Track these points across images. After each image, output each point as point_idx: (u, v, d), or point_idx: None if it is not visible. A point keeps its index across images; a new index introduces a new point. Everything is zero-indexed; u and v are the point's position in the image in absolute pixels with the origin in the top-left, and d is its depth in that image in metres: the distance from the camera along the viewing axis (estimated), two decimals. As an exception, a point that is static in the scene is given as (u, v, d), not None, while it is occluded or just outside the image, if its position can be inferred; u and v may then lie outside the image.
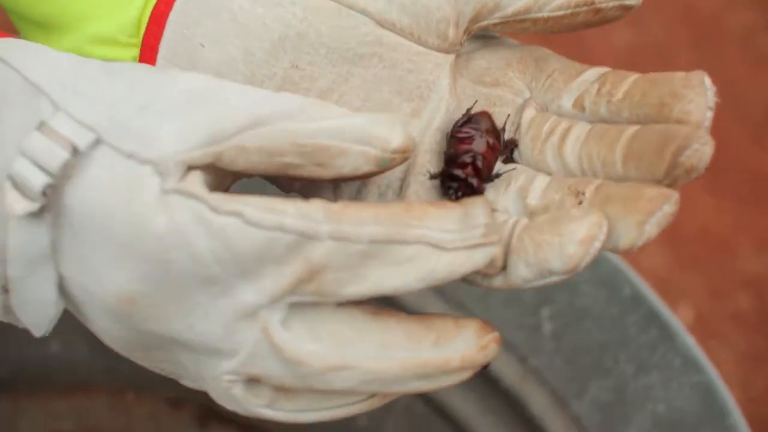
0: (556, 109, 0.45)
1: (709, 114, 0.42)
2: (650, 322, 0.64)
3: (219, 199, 0.38)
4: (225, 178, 0.41)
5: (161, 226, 0.38)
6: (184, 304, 0.39)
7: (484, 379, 0.70)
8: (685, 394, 0.62)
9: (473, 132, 0.44)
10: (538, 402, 0.68)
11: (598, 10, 0.44)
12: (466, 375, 0.40)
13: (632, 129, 0.42)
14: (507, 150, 0.44)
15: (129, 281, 0.38)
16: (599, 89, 0.44)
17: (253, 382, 0.40)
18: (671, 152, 0.40)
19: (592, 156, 0.43)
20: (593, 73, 0.45)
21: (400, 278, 0.38)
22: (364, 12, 0.45)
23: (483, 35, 0.47)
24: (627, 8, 0.45)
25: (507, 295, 0.68)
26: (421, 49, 0.45)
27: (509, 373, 0.69)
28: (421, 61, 0.45)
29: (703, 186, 1.47)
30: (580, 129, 0.44)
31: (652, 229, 0.40)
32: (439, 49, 0.46)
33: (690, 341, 0.62)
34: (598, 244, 0.39)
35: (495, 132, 0.44)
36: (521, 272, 0.40)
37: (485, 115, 0.45)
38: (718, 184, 1.48)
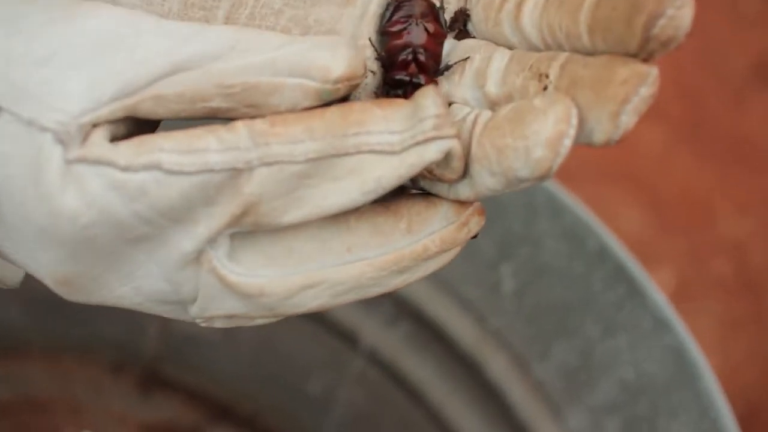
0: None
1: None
2: (618, 278, 0.59)
3: (130, 152, 0.34)
4: (148, 124, 0.36)
5: (72, 204, 0.34)
6: (124, 269, 0.36)
7: (440, 341, 0.67)
8: (655, 358, 0.57)
9: (406, 22, 0.38)
10: (498, 366, 0.64)
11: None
12: (451, 256, 0.37)
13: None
14: (457, 25, 0.38)
15: (57, 263, 0.35)
16: None
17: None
18: (642, 24, 0.34)
19: (554, 27, 0.36)
20: None
21: (343, 194, 0.34)
22: None
23: None
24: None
25: (464, 250, 0.64)
26: None
27: (467, 335, 0.65)
28: None
29: (684, 148, 1.46)
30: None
31: (628, 119, 0.34)
32: None
33: (660, 299, 0.58)
34: (568, 142, 0.33)
35: (433, 12, 0.38)
36: (487, 182, 0.35)
37: None
38: (699, 147, 1.47)
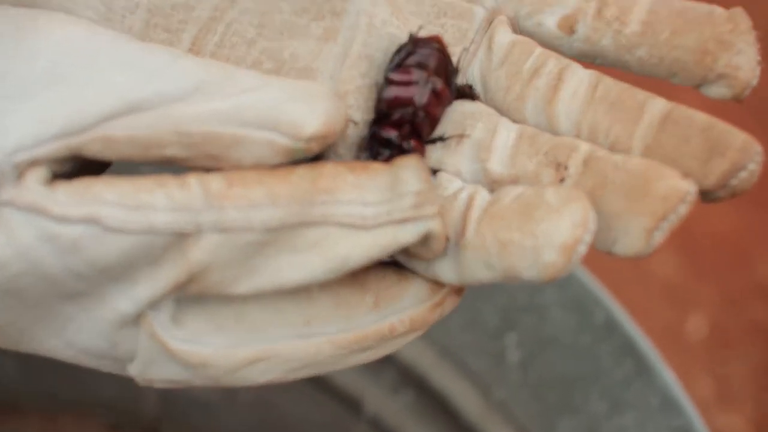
0: (532, 26, 0.35)
1: (758, 71, 0.33)
2: (625, 353, 0.57)
3: (67, 200, 0.30)
4: (97, 163, 0.33)
5: (1, 251, 0.31)
6: (54, 323, 0.33)
7: (445, 411, 0.65)
8: (663, 438, 0.55)
9: (416, 75, 0.33)
10: (502, 439, 0.62)
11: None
12: (418, 335, 0.33)
13: (659, 106, 0.32)
14: (461, 96, 0.34)
15: None
16: (600, 10, 0.34)
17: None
18: (722, 171, 0.31)
19: (597, 129, 0.32)
20: None
21: (302, 270, 0.31)
22: None
23: None
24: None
25: (468, 317, 0.62)
26: None
27: (472, 406, 0.63)
28: None
29: None
30: (578, 80, 0.33)
31: (662, 236, 0.31)
32: None
33: (669, 377, 0.55)
34: (583, 249, 0.30)
35: (447, 70, 0.33)
36: (479, 274, 0.31)
37: (435, 44, 0.33)
38: None
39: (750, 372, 1.32)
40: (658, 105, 0.32)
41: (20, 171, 0.31)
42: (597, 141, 0.33)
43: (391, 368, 0.65)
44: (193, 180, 0.30)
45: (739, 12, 0.33)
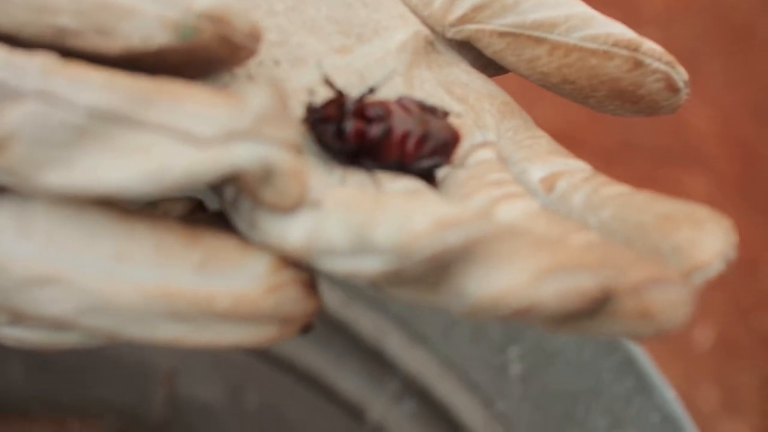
0: (518, 173, 0.34)
1: (718, 266, 0.29)
2: (626, 369, 0.56)
3: None
4: None
5: None
6: None
7: (447, 422, 0.64)
8: (663, 456, 0.55)
9: (414, 111, 0.31)
10: (504, 453, 0.61)
11: (638, 63, 0.33)
12: (262, 332, 0.28)
13: (595, 236, 0.30)
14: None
15: None
16: (586, 177, 0.32)
17: None
18: (639, 277, 0.27)
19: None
20: (581, 166, 0.34)
21: (122, 170, 0.27)
22: None
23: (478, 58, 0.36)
24: (673, 88, 0.34)
25: (473, 330, 0.61)
26: None
27: (474, 417, 0.63)
28: (382, 4, 0.35)
29: (730, 200, 1.44)
30: (530, 205, 0.32)
31: (549, 292, 0.26)
32: (414, 11, 0.35)
33: (669, 395, 0.55)
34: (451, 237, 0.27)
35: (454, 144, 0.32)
36: (332, 233, 0.27)
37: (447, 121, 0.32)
38: (745, 199, 1.46)
39: (757, 382, 1.31)
40: (594, 235, 0.30)
41: None
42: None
43: (395, 378, 0.64)
44: (41, 53, 0.28)
45: (724, 217, 0.31)
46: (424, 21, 0.35)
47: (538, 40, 0.34)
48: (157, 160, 0.27)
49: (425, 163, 0.31)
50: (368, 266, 0.26)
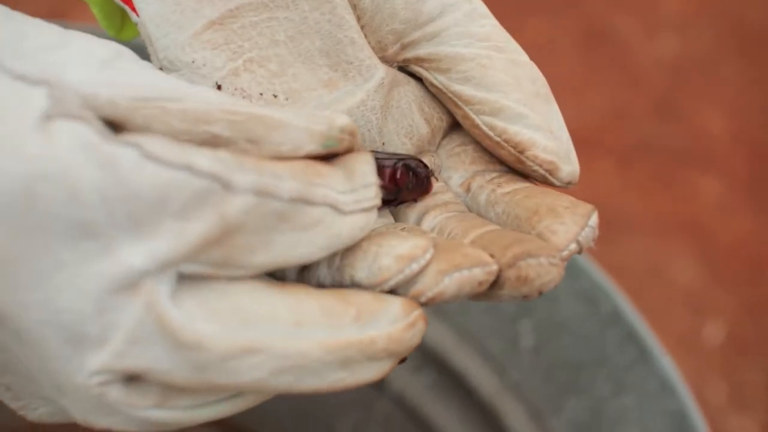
0: (446, 178, 0.41)
1: (573, 247, 0.36)
2: (629, 341, 0.61)
3: (111, 133, 0.30)
4: None
5: (35, 147, 0.29)
6: (44, 264, 0.30)
7: (463, 390, 0.68)
8: (659, 420, 0.59)
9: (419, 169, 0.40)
10: (515, 417, 0.66)
11: (521, 161, 0.39)
12: (388, 365, 0.34)
13: (494, 226, 0.38)
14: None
15: None
16: (492, 179, 0.40)
17: (133, 380, 0.32)
18: (514, 253, 0.35)
19: (444, 230, 0.38)
20: (495, 168, 0.41)
21: (307, 245, 0.32)
22: None
23: None
24: (551, 184, 0.39)
25: (488, 305, 0.65)
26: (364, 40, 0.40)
27: (488, 386, 0.67)
28: (364, 46, 0.40)
29: (743, 201, 1.46)
30: (455, 208, 0.39)
31: (451, 283, 0.34)
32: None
33: (667, 363, 0.59)
34: (416, 267, 0.34)
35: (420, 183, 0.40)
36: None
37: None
38: (758, 201, 1.47)
39: (764, 379, 1.33)
40: (493, 225, 0.38)
41: (77, 104, 0.30)
42: (442, 234, 0.38)
43: (415, 349, 0.69)
44: (229, 151, 0.31)
45: (588, 205, 0.37)
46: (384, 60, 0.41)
47: (457, 105, 0.40)
48: (332, 231, 0.32)
49: (414, 194, 0.40)
50: None
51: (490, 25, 0.40)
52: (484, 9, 0.40)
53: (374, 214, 0.34)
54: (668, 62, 1.58)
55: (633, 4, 1.60)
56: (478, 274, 0.34)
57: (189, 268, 0.31)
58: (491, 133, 0.39)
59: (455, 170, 0.40)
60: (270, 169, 0.31)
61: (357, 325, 0.33)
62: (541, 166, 0.39)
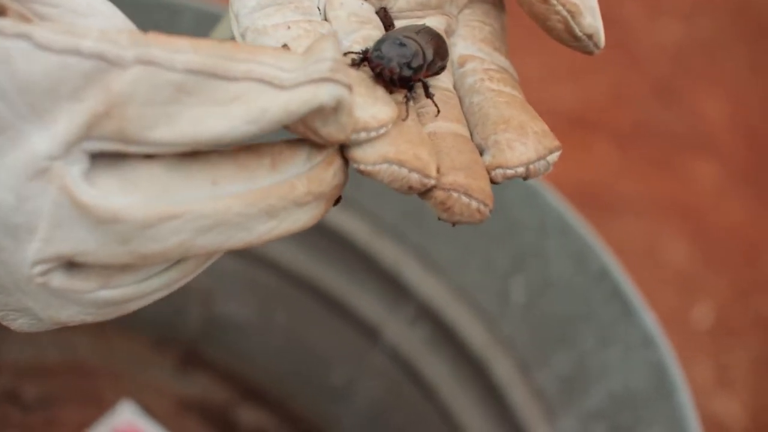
0: (450, 44, 0.41)
1: (521, 170, 0.37)
2: (615, 297, 0.64)
3: (8, 22, 0.32)
4: None
5: None
6: None
7: (455, 344, 0.71)
8: (640, 371, 0.62)
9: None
10: (503, 370, 0.69)
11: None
12: (319, 209, 0.34)
13: (464, 129, 0.39)
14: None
15: None
16: (488, 69, 0.40)
17: (74, 266, 0.33)
18: (456, 181, 0.36)
19: (421, 98, 0.39)
20: (498, 59, 0.41)
21: (223, 119, 0.32)
22: None
23: None
24: (571, 33, 0.39)
25: (482, 260, 0.69)
26: None
27: (479, 339, 0.70)
28: None
29: (737, 186, 1.47)
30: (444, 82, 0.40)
31: (386, 172, 0.35)
32: None
33: (649, 318, 0.63)
34: (363, 135, 0.35)
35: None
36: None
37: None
38: (752, 186, 1.48)
39: (750, 362, 1.34)
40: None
41: None
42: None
43: (411, 303, 0.72)
44: (125, 31, 0.32)
45: (556, 141, 0.38)
46: None
47: None
48: (256, 105, 0.32)
49: (440, 64, 0.39)
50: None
51: None
52: None
53: (327, 87, 0.33)
54: (670, 47, 1.60)
55: (637, -13, 1.62)
56: (414, 179, 0.35)
57: (93, 146, 0.32)
58: None
59: (463, 39, 0.41)
60: (167, 44, 0.32)
61: (273, 173, 0.33)
62: (564, 6, 0.39)
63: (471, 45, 0.41)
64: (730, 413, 1.30)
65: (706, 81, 1.58)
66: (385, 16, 0.41)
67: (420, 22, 0.41)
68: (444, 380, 0.72)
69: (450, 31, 0.41)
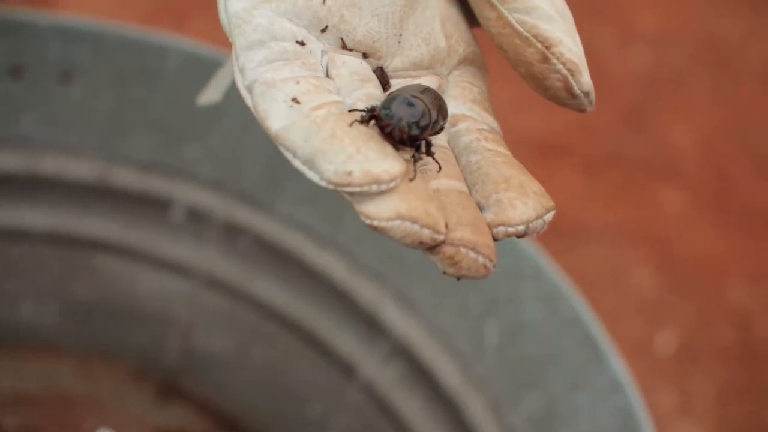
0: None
1: (521, 228, 0.40)
2: (585, 342, 0.67)
3: None
4: None
5: None
6: None
7: (429, 382, 0.74)
8: (608, 415, 0.65)
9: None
10: (477, 409, 0.71)
11: (545, 58, 0.41)
12: None
13: (463, 186, 0.41)
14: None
15: None
16: (481, 129, 0.43)
17: None
18: (464, 237, 0.39)
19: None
20: (488, 120, 0.44)
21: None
22: None
23: None
24: (570, 91, 0.42)
25: (457, 303, 0.71)
26: None
27: (453, 379, 0.72)
28: None
29: (704, 214, 1.49)
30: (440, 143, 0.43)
31: (398, 228, 0.38)
32: None
33: (618, 365, 0.65)
34: (375, 188, 0.38)
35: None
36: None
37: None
38: (719, 214, 1.50)
39: (713, 390, 1.36)
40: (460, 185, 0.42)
41: None
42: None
43: (387, 341, 0.74)
44: None
45: (552, 202, 0.41)
46: None
47: (493, 6, 0.42)
48: None
49: (442, 123, 0.42)
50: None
51: None
52: None
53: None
54: (640, 75, 1.63)
55: (608, 16, 1.64)
56: (426, 235, 0.38)
57: None
58: (521, 29, 0.41)
59: (455, 99, 0.43)
60: None
61: None
62: (564, 65, 0.41)
63: (462, 105, 0.43)
64: (693, 440, 1.32)
65: (675, 109, 1.60)
66: (381, 75, 0.43)
67: (414, 81, 0.43)
68: (418, 417, 0.74)
69: (441, 91, 0.43)
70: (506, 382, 0.69)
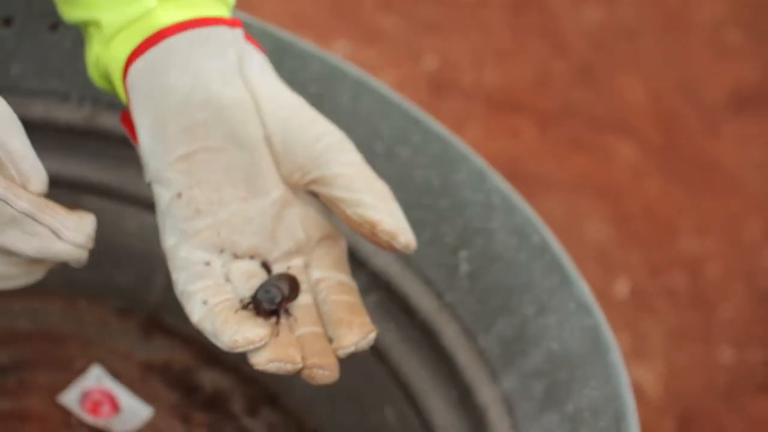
0: (311, 268, 0.65)
1: (352, 348, 0.62)
2: (553, 269, 0.71)
3: None
4: None
5: None
6: None
7: (405, 311, 0.78)
8: (576, 335, 0.69)
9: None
10: (450, 334, 0.75)
11: (374, 234, 0.63)
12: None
13: (318, 328, 0.64)
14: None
15: None
16: (331, 286, 0.64)
17: None
18: (315, 363, 0.62)
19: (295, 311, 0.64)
20: (341, 278, 0.65)
21: (25, 244, 0.58)
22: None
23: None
24: (394, 249, 0.63)
25: (430, 235, 0.75)
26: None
27: (427, 307, 0.76)
28: (270, 175, 0.64)
29: (655, 167, 1.54)
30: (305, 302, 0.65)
31: (272, 367, 0.62)
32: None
33: (584, 288, 0.70)
34: (252, 347, 0.61)
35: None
36: None
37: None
38: (669, 167, 1.55)
39: (664, 333, 1.41)
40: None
41: None
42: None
43: (363, 273, 0.78)
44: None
45: (372, 328, 0.64)
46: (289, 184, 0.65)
47: (337, 206, 0.63)
48: (44, 243, 0.59)
49: (293, 294, 0.64)
50: None
51: (356, 157, 0.63)
52: (350, 144, 0.64)
53: (81, 252, 0.60)
54: (593, 31, 1.67)
55: (562, -26, 1.68)
56: (290, 368, 0.61)
57: None
58: (356, 218, 0.62)
59: (316, 268, 0.64)
60: (18, 194, 0.58)
61: None
62: (386, 234, 0.62)
63: (322, 271, 0.64)
64: (646, 378, 1.37)
65: (627, 65, 1.65)
66: (266, 266, 0.64)
67: (288, 263, 0.64)
68: (394, 344, 0.78)
69: (308, 264, 0.65)
70: (478, 308, 0.73)
